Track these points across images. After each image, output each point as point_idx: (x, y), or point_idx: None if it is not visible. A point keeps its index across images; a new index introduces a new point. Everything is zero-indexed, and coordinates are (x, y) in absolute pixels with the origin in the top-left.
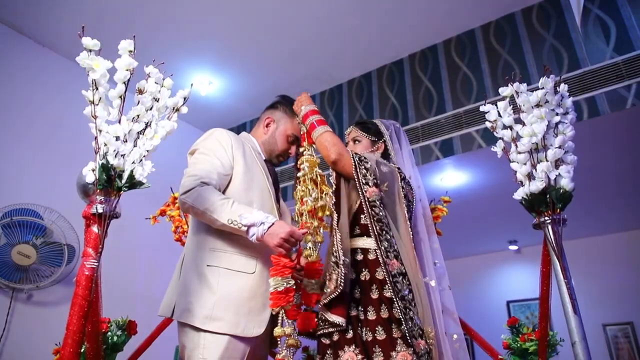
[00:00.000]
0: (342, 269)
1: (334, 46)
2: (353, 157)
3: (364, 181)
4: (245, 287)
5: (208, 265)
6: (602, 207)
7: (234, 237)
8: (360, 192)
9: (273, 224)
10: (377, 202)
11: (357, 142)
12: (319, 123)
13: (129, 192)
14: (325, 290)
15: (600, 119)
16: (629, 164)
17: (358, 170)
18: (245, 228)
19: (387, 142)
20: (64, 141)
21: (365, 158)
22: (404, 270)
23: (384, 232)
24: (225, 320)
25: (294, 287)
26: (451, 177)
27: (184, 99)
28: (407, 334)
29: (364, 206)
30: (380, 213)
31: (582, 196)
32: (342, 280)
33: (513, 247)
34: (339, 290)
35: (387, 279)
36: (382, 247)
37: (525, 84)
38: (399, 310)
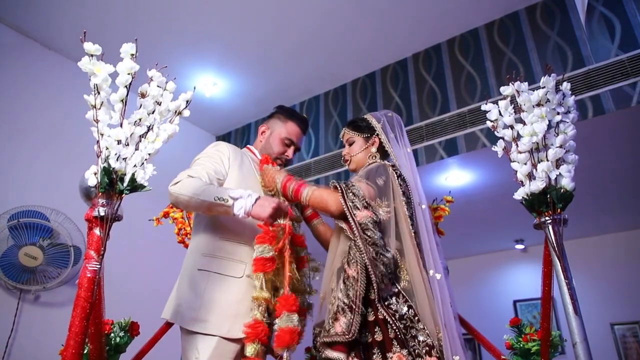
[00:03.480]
0: (357, 315)
1: (338, 46)
2: (339, 188)
3: (352, 205)
4: (233, 291)
5: (199, 270)
6: (612, 204)
7: (225, 244)
8: (350, 217)
9: (259, 197)
10: (370, 225)
11: (351, 143)
12: (300, 186)
13: (134, 194)
14: (328, 330)
15: (605, 117)
16: (636, 161)
17: (345, 197)
18: (232, 202)
19: (381, 135)
20: (71, 143)
21: (352, 184)
22: (396, 290)
23: (380, 255)
24: (210, 322)
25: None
26: (456, 177)
27: (187, 102)
28: (411, 352)
29: (355, 231)
30: (374, 236)
31: (592, 194)
32: (356, 328)
33: (519, 246)
34: (351, 338)
35: (378, 304)
36: (377, 274)
37: (526, 83)
38: (398, 332)
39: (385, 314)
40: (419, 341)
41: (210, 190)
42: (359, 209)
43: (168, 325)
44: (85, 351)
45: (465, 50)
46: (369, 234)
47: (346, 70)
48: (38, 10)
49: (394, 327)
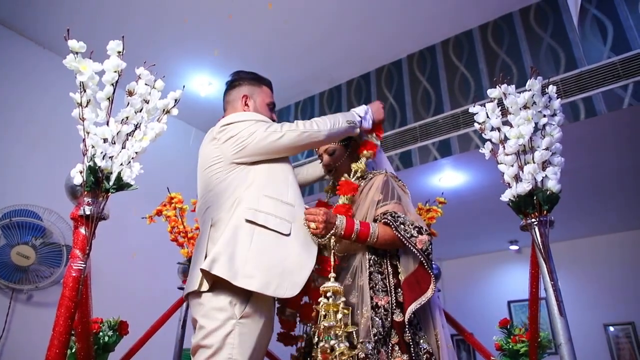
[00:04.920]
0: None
1: (333, 47)
2: (390, 223)
3: (408, 236)
4: (279, 247)
5: (247, 220)
6: (603, 206)
7: (269, 201)
8: (412, 249)
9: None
10: (429, 247)
11: (332, 154)
12: (365, 226)
13: (128, 192)
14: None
15: (597, 119)
16: (629, 163)
17: (398, 231)
18: (359, 120)
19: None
20: (65, 142)
21: (395, 214)
22: (400, 299)
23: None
24: (256, 278)
25: None
26: (450, 178)
27: (175, 100)
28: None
29: (422, 259)
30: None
31: (583, 195)
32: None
33: (514, 247)
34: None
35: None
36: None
37: (513, 86)
38: (409, 337)
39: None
40: (420, 348)
41: (337, 118)
42: (415, 236)
43: (160, 323)
44: (73, 350)
45: (459, 52)
46: (431, 257)
47: (341, 71)
48: (32, 7)
49: (408, 334)
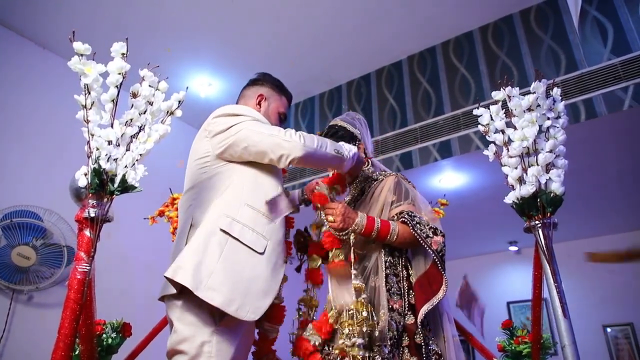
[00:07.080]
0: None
1: (333, 48)
2: (407, 222)
3: (424, 236)
4: (249, 265)
5: (221, 230)
6: (603, 207)
7: (249, 211)
8: (427, 249)
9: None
10: (443, 249)
11: None
12: (385, 224)
13: (131, 193)
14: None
15: (598, 121)
16: (629, 165)
17: (415, 230)
18: (347, 156)
19: (362, 140)
20: (65, 142)
21: (411, 213)
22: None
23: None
24: (219, 292)
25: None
26: (450, 179)
27: (179, 102)
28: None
29: (436, 259)
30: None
31: (583, 197)
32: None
33: (513, 248)
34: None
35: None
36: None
37: (517, 88)
38: (420, 339)
39: (420, 331)
40: (430, 349)
41: (326, 142)
42: (430, 236)
43: (162, 325)
44: (77, 352)
45: (459, 53)
46: (444, 258)
47: (341, 72)
48: (32, 8)
49: (420, 335)
